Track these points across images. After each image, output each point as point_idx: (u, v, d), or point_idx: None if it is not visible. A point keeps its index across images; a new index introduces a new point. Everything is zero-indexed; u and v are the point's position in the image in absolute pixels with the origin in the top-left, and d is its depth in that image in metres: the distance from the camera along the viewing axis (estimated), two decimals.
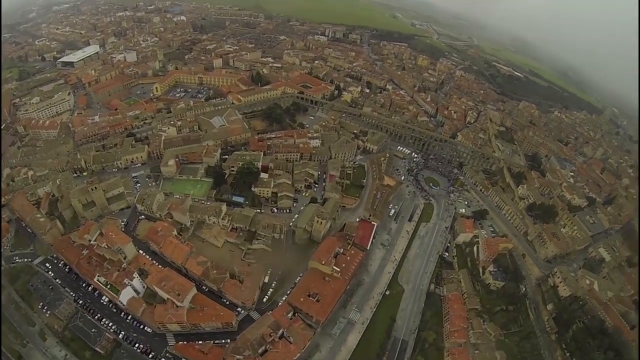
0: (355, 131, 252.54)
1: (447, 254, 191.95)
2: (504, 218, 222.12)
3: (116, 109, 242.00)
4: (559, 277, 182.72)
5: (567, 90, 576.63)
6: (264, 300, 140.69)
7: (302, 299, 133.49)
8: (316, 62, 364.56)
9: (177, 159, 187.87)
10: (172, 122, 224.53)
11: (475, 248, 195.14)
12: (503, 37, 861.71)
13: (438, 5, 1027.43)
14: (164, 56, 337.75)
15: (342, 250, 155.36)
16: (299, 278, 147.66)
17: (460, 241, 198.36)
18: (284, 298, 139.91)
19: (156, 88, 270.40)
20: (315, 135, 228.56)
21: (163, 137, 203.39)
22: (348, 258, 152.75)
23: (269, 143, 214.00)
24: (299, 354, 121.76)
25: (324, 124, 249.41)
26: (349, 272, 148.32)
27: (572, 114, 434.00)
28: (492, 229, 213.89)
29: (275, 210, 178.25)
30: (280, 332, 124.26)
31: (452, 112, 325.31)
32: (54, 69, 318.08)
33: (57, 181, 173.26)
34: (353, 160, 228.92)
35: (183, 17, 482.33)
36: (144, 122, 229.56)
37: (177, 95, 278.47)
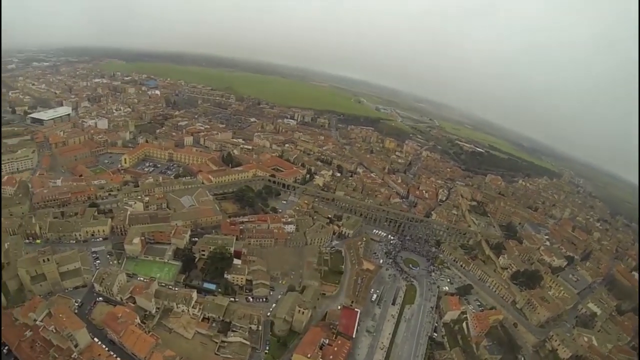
0: (329, 216, 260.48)
1: (436, 334, 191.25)
2: (489, 290, 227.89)
3: (81, 175, 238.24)
4: (556, 340, 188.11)
5: (525, 160, 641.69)
6: None
7: None
8: (286, 145, 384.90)
9: (142, 238, 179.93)
10: (140, 197, 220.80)
11: (464, 324, 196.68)
12: (462, 116, 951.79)
13: (400, 89, 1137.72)
14: (135, 128, 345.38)
15: (327, 341, 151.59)
16: None
17: (448, 319, 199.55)
18: None
19: (125, 159, 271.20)
20: (289, 220, 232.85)
21: (129, 212, 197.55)
22: (335, 349, 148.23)
23: (241, 227, 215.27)
24: None
25: (297, 208, 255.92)
26: None
27: (534, 181, 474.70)
28: (479, 303, 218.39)
29: (251, 299, 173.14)
30: None
31: (424, 191, 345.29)
32: (23, 123, 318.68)
33: (6, 245, 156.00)
34: (329, 245, 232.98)
35: (157, 92, 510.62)
36: (109, 194, 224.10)
37: (146, 169, 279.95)
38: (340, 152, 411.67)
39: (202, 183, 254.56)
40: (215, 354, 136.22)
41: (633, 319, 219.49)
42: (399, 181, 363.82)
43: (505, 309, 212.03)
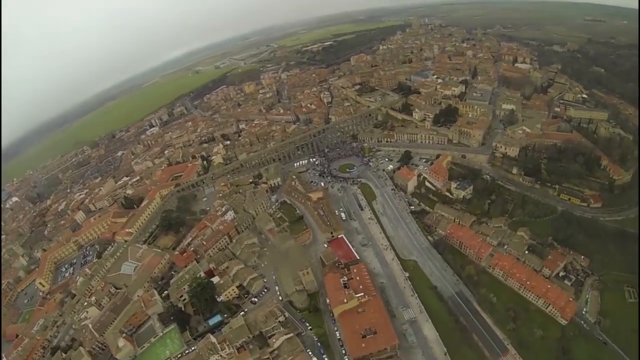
0: (250, 180, 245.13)
1: (412, 207, 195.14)
2: (424, 144, 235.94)
3: (17, 336, 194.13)
4: (501, 146, 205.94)
5: (371, 29, 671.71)
6: None
7: (363, 345, 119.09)
8: (166, 152, 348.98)
9: (124, 335, 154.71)
10: (86, 303, 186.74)
11: (427, 183, 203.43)
12: (291, 27, 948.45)
13: (223, 39, 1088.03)
14: (22, 247, 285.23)
15: (345, 278, 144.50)
16: (338, 332, 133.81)
17: (412, 189, 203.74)
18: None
19: (40, 284, 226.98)
20: (223, 209, 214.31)
21: (90, 326, 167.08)
22: (357, 278, 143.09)
23: (192, 249, 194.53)
24: None
25: (220, 195, 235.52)
26: (371, 288, 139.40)
27: (391, 40, 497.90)
28: (425, 159, 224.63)
29: (255, 299, 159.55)
30: None
31: (308, 104, 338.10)
32: None
33: None
34: (272, 203, 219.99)
35: (14, 199, 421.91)
36: (57, 327, 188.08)
37: (67, 274, 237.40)
38: (213, 123, 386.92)
39: (125, 241, 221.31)
40: None
41: (539, 97, 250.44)
42: (282, 112, 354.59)
43: (447, 149, 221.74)
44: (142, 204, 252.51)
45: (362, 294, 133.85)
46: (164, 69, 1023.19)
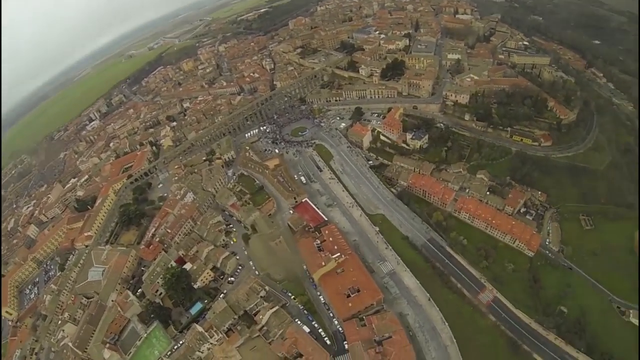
0: (204, 158, 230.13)
1: (370, 162, 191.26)
2: (374, 100, 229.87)
3: None
4: (451, 94, 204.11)
5: None
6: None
7: (349, 305, 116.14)
8: (111, 144, 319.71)
9: (107, 345, 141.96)
10: (59, 321, 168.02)
11: (381, 137, 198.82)
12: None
13: (154, 17, 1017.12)
14: None
15: (318, 241, 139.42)
16: (322, 296, 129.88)
17: (367, 144, 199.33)
18: (335, 323, 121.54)
19: (7, 312, 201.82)
20: (182, 192, 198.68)
21: (70, 344, 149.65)
22: (331, 239, 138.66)
23: (157, 240, 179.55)
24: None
25: (176, 178, 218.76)
26: (346, 247, 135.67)
27: (328, 1, 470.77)
28: (377, 114, 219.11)
29: (232, 279, 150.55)
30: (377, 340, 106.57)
31: (251, 74, 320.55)
32: None
33: None
34: (229, 178, 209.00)
35: None
36: (35, 354, 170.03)
37: (32, 296, 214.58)
38: (156, 107, 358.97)
39: (86, 246, 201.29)
40: (271, 343, 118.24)
41: (482, 46, 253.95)
42: (224, 84, 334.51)
43: (398, 102, 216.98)
44: (96, 203, 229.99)
45: (338, 254, 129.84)
46: (94, 58, 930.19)
